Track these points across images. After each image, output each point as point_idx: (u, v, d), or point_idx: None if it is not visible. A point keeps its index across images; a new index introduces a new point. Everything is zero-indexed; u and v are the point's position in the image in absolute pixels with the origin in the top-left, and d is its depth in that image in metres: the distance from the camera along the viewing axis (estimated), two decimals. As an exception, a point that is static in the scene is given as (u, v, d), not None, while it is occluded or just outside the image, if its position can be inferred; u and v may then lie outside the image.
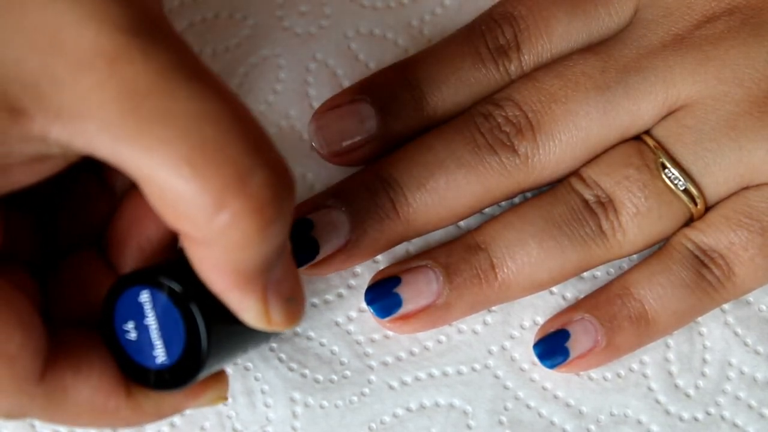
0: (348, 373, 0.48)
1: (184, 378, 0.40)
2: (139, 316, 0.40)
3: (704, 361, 0.49)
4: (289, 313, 0.40)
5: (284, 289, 0.39)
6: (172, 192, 0.35)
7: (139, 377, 0.40)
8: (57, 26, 0.35)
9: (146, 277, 0.39)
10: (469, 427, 0.48)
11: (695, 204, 0.47)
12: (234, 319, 0.39)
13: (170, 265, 0.40)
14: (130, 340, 0.40)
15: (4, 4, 0.35)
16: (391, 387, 0.48)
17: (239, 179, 0.35)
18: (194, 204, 0.35)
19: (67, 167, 0.39)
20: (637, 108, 0.47)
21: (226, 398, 0.43)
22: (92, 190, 0.43)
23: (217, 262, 0.37)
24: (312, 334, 0.48)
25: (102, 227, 0.43)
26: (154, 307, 0.39)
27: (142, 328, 0.40)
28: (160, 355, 0.40)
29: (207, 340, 0.39)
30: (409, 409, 0.48)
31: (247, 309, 0.39)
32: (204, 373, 0.40)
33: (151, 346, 0.40)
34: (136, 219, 0.42)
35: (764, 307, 0.49)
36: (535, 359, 0.48)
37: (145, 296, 0.39)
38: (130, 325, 0.40)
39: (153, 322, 0.40)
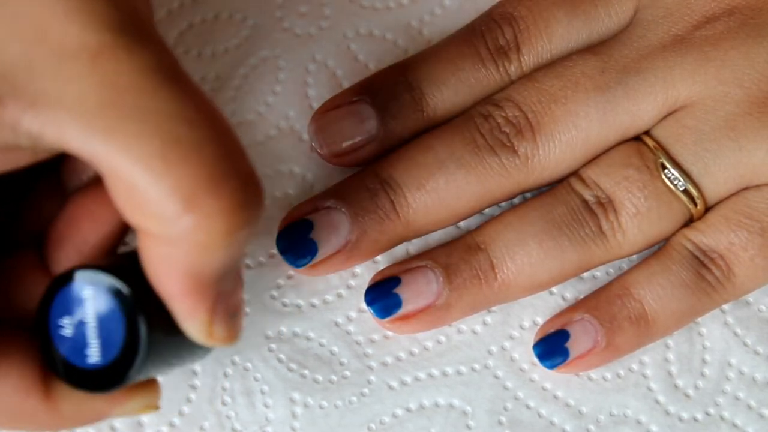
0: (347, 373, 0.48)
1: (114, 381, 0.39)
2: (78, 312, 0.39)
3: (704, 361, 0.49)
4: (230, 329, 0.39)
5: (231, 304, 0.39)
6: (141, 187, 0.35)
7: (66, 375, 0.39)
8: (43, 17, 0.35)
9: (93, 273, 0.38)
10: (468, 427, 0.48)
11: (695, 204, 0.47)
12: (175, 330, 0.39)
13: (119, 265, 0.39)
14: (64, 336, 0.39)
15: None
16: (390, 387, 0.48)
17: (212, 181, 0.35)
18: (163, 200, 0.35)
19: (33, 164, 0.38)
20: (637, 108, 0.47)
21: (157, 407, 0.42)
22: (44, 191, 0.42)
23: (175, 264, 0.37)
24: (312, 334, 0.49)
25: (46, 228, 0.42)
26: (96, 305, 0.39)
27: (79, 325, 0.39)
28: (93, 354, 0.39)
29: (146, 345, 0.38)
30: (408, 410, 0.48)
31: (192, 318, 0.38)
32: (134, 380, 0.39)
33: (85, 345, 0.39)
34: (76, 221, 0.41)
35: (764, 308, 0.49)
36: (535, 359, 0.48)
37: (87, 293, 0.39)
38: (66, 321, 0.39)
39: (92, 321, 0.39)
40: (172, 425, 0.48)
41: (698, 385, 0.48)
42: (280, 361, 0.48)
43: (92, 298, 0.38)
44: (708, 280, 0.47)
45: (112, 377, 0.39)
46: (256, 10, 0.51)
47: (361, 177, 0.48)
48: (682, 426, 0.48)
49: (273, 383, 0.48)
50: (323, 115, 0.48)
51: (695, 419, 0.48)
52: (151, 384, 0.41)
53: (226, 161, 0.36)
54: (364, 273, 0.49)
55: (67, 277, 0.39)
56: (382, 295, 0.47)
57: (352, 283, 0.49)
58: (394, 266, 0.48)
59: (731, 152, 0.46)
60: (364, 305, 0.48)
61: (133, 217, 0.36)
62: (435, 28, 0.51)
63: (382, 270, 0.48)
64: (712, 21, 0.47)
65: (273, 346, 0.48)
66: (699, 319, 0.49)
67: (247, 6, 0.51)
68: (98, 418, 0.41)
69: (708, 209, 0.47)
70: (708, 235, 0.47)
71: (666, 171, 0.47)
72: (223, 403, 0.48)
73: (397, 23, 0.51)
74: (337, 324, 0.49)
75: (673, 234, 0.47)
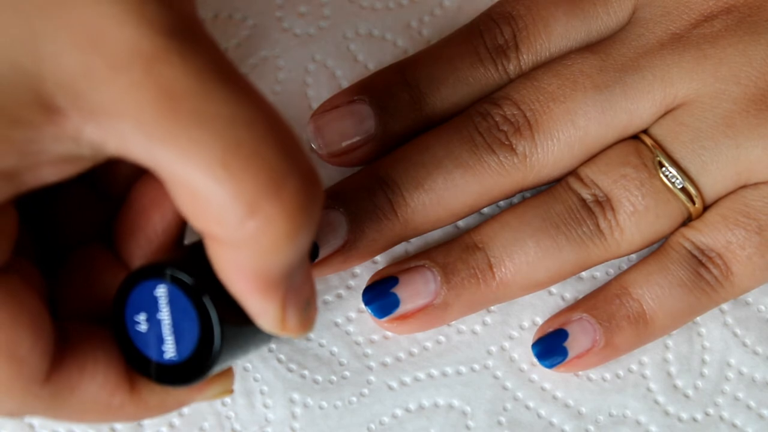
0: (347, 373, 0.48)
1: (192, 376, 0.40)
2: (152, 309, 0.39)
3: (703, 361, 0.48)
4: (304, 320, 0.40)
5: (302, 296, 0.39)
6: (204, 194, 0.35)
7: (145, 370, 0.40)
8: (98, 25, 0.35)
9: (165, 270, 0.39)
10: (468, 427, 0.48)
11: (693, 203, 0.47)
12: (246, 319, 0.39)
13: (189, 260, 0.39)
14: (140, 332, 0.40)
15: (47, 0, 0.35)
16: (390, 387, 0.48)
17: (273, 184, 0.35)
18: (226, 207, 0.35)
19: (92, 167, 0.38)
20: (635, 107, 0.47)
21: (231, 391, 0.43)
22: (78, 191, 0.42)
23: (242, 266, 0.37)
24: (311, 335, 0.49)
25: (107, 220, 0.43)
26: (170, 302, 0.39)
27: (153, 322, 0.40)
28: (169, 350, 0.40)
29: (220, 341, 0.39)
30: (408, 410, 0.48)
31: (264, 314, 0.38)
32: (211, 374, 0.40)
33: (161, 341, 0.40)
34: (143, 210, 0.41)
35: (763, 308, 0.49)
36: (535, 360, 0.48)
37: (161, 290, 0.39)
38: (141, 317, 0.40)
39: (166, 317, 0.39)
40: (171, 426, 0.48)
41: (698, 386, 0.48)
42: (279, 361, 0.48)
43: (165, 295, 0.39)
44: (706, 279, 0.47)
45: (191, 372, 0.39)
46: (256, 10, 0.51)
47: (360, 177, 0.48)
48: (681, 426, 0.48)
49: (272, 383, 0.48)
50: (322, 115, 0.48)
51: (695, 419, 0.48)
52: (227, 370, 0.42)
53: (286, 161, 0.36)
54: (363, 273, 0.49)
55: (139, 275, 0.40)
56: (380, 295, 0.47)
57: (352, 283, 0.49)
58: (392, 266, 0.48)
59: (728, 150, 0.46)
60: (363, 305, 0.48)
61: (197, 222, 0.36)
62: (434, 28, 0.51)
63: (379, 270, 0.48)
64: (710, 19, 0.47)
65: (272, 346, 0.48)
66: (698, 320, 0.49)
67: (247, 6, 0.51)
68: (180, 406, 0.42)
69: (706, 208, 0.47)
70: (706, 234, 0.47)
71: (664, 169, 0.47)
72: (223, 404, 0.48)
73: (396, 23, 0.51)
74: (336, 324, 0.49)
75: (672, 233, 0.47)
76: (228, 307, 0.39)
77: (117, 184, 0.42)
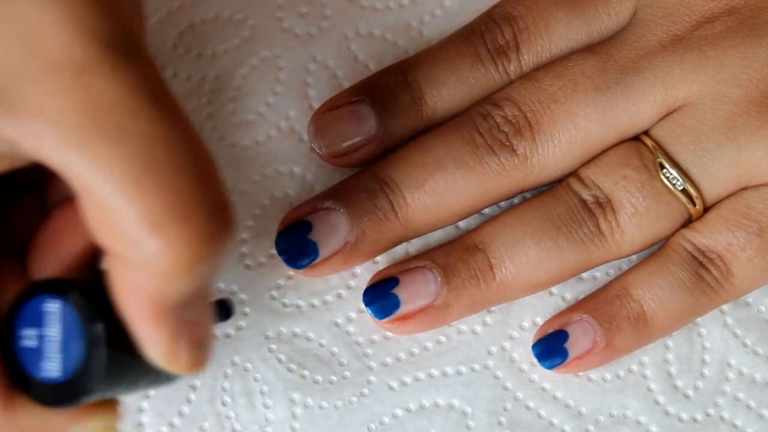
0: (347, 373, 0.48)
1: (70, 398, 0.39)
2: (42, 325, 0.39)
3: (703, 361, 0.49)
4: (194, 358, 0.39)
5: (196, 333, 0.38)
6: (111, 208, 0.35)
7: (25, 386, 0.39)
8: (33, 26, 0.35)
9: (60, 288, 0.38)
10: (468, 427, 0.48)
11: (693, 204, 0.47)
12: (137, 354, 0.38)
13: (88, 282, 0.39)
14: (27, 348, 0.39)
15: None
16: (390, 387, 0.48)
17: (182, 209, 0.35)
18: (130, 224, 0.35)
19: (10, 171, 0.38)
20: (636, 108, 0.47)
21: (114, 429, 0.41)
22: (26, 201, 0.42)
23: (138, 288, 0.36)
24: (311, 335, 0.49)
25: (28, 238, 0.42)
26: (61, 320, 0.38)
27: (42, 338, 0.39)
28: (53, 368, 0.39)
29: (105, 365, 0.38)
30: (408, 410, 0.48)
31: (154, 343, 0.38)
32: (91, 398, 0.39)
33: (47, 358, 0.39)
34: (59, 231, 0.41)
35: (763, 308, 0.49)
36: (535, 360, 0.48)
37: (54, 307, 0.38)
38: (31, 332, 0.39)
39: (55, 334, 0.38)
40: (172, 425, 0.48)
41: (698, 386, 0.48)
42: (279, 361, 0.48)
43: (57, 312, 0.38)
44: (707, 280, 0.47)
45: (70, 393, 0.38)
46: (257, 10, 0.51)
47: (360, 177, 0.48)
48: (681, 426, 0.48)
49: (273, 384, 0.48)
50: (323, 115, 0.48)
51: (695, 420, 0.48)
52: (111, 406, 0.41)
53: (199, 189, 0.35)
54: (363, 273, 0.49)
55: (35, 289, 0.39)
56: (381, 296, 0.47)
57: (352, 283, 0.49)
58: (393, 267, 0.48)
59: (730, 152, 0.46)
60: (363, 305, 0.48)
61: (100, 235, 0.36)
62: (435, 28, 0.51)
63: (380, 271, 0.48)
64: (711, 21, 0.47)
65: (273, 346, 0.48)
66: (699, 320, 0.49)
67: (248, 6, 0.51)
68: None
69: (707, 209, 0.47)
70: (706, 236, 0.47)
71: (664, 171, 0.47)
72: (223, 404, 0.48)
73: (397, 24, 0.51)
74: (337, 324, 0.49)
75: (672, 234, 0.47)
76: (120, 335, 0.38)
77: (55, 193, 0.42)
